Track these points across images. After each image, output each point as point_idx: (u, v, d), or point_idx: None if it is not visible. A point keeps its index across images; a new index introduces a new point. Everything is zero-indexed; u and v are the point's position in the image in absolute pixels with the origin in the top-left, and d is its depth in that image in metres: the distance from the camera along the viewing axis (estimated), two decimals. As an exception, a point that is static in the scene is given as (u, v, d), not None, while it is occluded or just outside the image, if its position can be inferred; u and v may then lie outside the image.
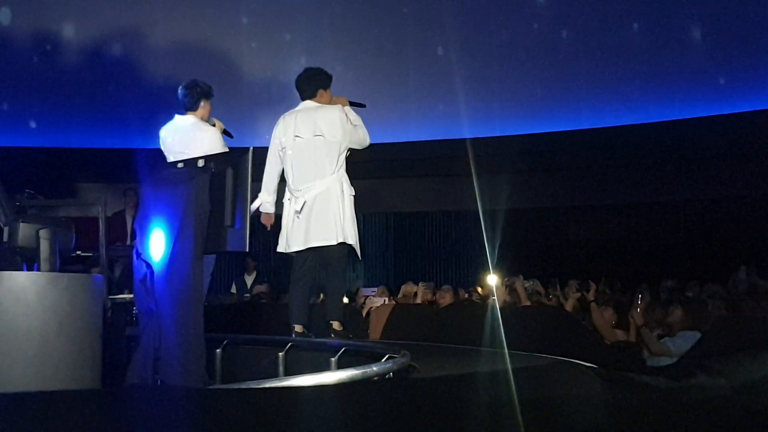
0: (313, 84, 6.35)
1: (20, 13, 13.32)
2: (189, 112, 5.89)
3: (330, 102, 6.33)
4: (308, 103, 6.33)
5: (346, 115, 6.26)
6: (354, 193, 6.23)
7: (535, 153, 12.69)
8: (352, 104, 6.46)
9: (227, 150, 5.65)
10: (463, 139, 11.63)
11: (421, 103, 13.73)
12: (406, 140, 13.38)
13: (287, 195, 6.33)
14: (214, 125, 5.96)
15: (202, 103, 5.88)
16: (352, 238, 6.12)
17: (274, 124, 6.42)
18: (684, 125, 12.03)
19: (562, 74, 13.25)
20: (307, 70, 6.47)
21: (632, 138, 12.38)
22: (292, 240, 6.21)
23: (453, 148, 12.44)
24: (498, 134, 12.97)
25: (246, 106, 12.15)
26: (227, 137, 6.00)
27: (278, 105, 6.48)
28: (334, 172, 6.12)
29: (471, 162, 10.59)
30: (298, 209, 6.13)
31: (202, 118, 5.88)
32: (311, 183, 6.13)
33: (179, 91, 5.90)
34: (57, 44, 13.45)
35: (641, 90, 12.69)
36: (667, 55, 12.57)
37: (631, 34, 12.79)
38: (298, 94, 6.41)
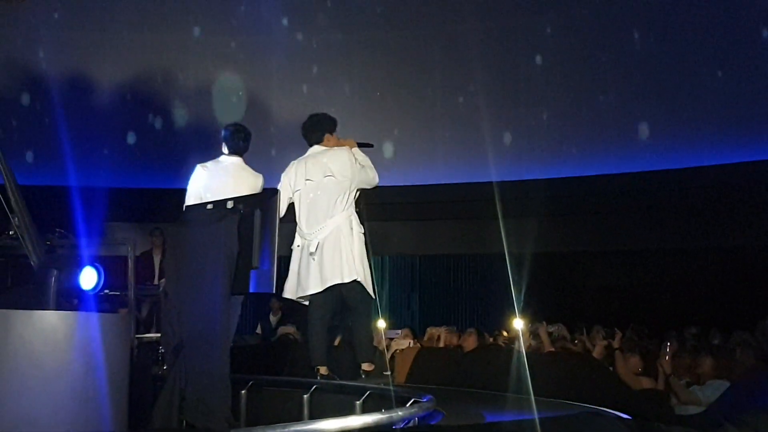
0: (319, 129, 6.49)
1: (53, 55, 13.56)
2: (235, 155, 5.97)
3: (337, 145, 6.46)
4: (316, 148, 6.47)
5: (354, 155, 6.37)
6: (363, 231, 6.32)
7: (562, 197, 12.65)
8: (360, 145, 6.57)
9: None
10: (490, 183, 11.63)
11: (448, 146, 13.76)
12: (433, 183, 13.41)
13: (297, 241, 6.37)
14: None
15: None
16: (362, 275, 6.19)
17: None
18: (712, 172, 11.94)
19: (590, 118, 13.24)
20: (311, 117, 6.59)
21: (661, 184, 12.30)
22: (307, 283, 6.24)
23: (480, 191, 12.44)
24: (525, 178, 12.96)
25: (274, 148, 12.25)
26: None
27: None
28: (344, 210, 6.22)
29: (498, 205, 10.59)
30: (313, 250, 6.17)
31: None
32: (323, 224, 6.20)
33: (226, 132, 5.99)
34: (88, 85, 13.66)
35: (670, 135, 12.63)
36: (694, 100, 12.52)
37: (661, 79, 12.76)
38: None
